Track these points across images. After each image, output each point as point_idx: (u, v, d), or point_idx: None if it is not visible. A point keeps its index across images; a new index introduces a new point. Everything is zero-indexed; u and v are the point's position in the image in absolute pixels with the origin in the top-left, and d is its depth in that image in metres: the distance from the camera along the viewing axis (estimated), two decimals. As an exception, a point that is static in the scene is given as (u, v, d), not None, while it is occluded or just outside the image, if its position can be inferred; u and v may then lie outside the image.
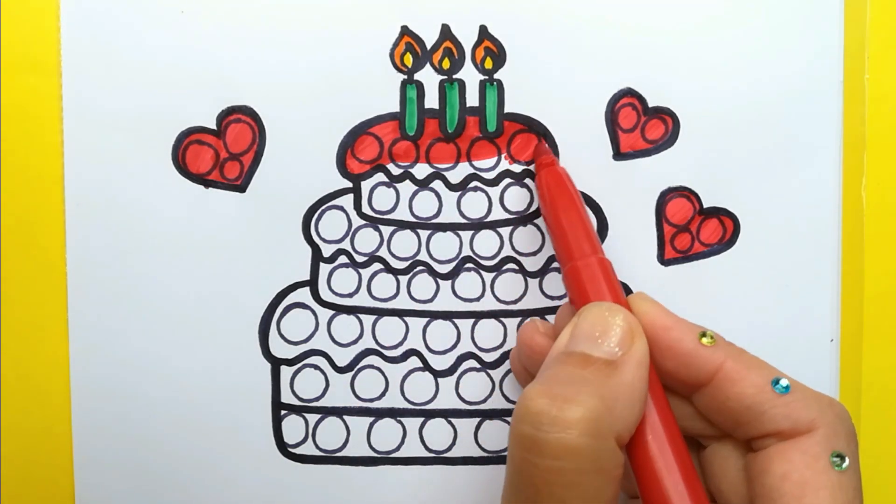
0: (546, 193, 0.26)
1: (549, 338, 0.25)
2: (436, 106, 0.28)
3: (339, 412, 0.29)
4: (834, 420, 0.21)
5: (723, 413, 0.22)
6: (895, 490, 0.29)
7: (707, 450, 0.24)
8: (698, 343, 0.22)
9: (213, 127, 0.28)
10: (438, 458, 0.29)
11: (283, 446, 0.29)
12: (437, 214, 0.29)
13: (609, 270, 0.24)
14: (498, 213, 0.29)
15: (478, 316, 0.29)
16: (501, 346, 0.29)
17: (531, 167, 0.28)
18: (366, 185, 0.29)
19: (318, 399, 0.29)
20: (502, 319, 0.29)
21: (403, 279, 0.29)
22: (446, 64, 0.28)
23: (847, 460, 0.21)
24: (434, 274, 0.29)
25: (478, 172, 0.29)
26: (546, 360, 0.22)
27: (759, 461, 0.21)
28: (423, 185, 0.29)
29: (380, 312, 0.29)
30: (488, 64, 0.28)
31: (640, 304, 0.23)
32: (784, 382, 0.22)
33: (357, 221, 0.29)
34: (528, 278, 0.29)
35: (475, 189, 0.29)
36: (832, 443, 0.21)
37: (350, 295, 0.29)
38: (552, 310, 0.29)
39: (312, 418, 0.29)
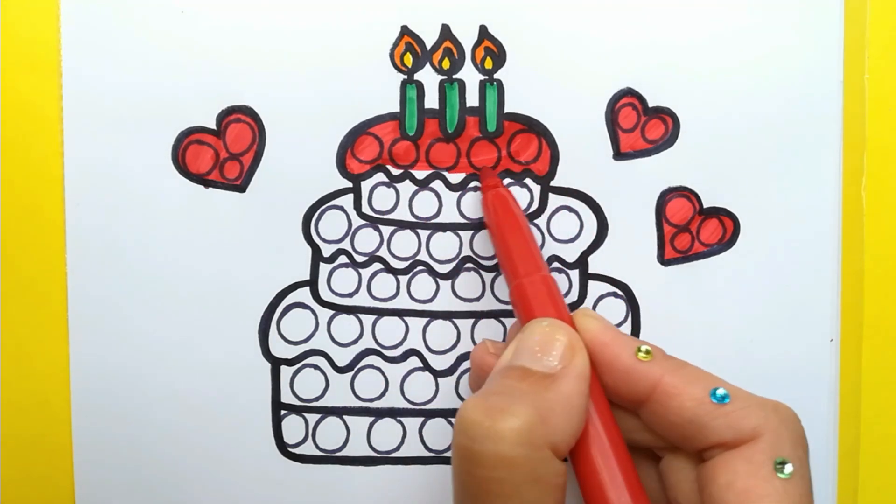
0: (492, 215, 0.27)
1: (498, 357, 0.25)
2: (436, 106, 0.28)
3: (339, 412, 0.29)
4: (778, 426, 0.21)
5: (666, 427, 0.22)
6: (895, 490, 0.29)
7: (662, 461, 0.23)
8: (635, 359, 0.22)
9: (213, 127, 0.28)
10: (438, 458, 0.29)
11: (283, 446, 0.29)
12: (437, 214, 0.29)
13: (553, 287, 0.24)
14: (498, 213, 0.29)
15: (478, 316, 0.29)
16: (501, 346, 0.29)
17: (530, 166, 0.28)
18: (366, 185, 0.29)
19: (318, 399, 0.29)
20: (502, 319, 0.29)
21: (403, 279, 0.29)
22: (446, 64, 0.28)
23: (791, 466, 0.20)
24: (434, 274, 0.29)
25: (478, 172, 0.29)
26: (490, 375, 0.22)
27: (707, 471, 0.21)
28: (422, 185, 0.29)
29: (380, 312, 0.29)
30: (488, 64, 0.28)
31: (582, 319, 0.23)
32: (721, 392, 0.21)
33: (357, 221, 0.29)
34: (528, 278, 0.29)
35: (475, 189, 0.29)
36: (776, 449, 0.21)
37: (350, 295, 0.29)
38: (552, 310, 0.29)
39: (312, 418, 0.29)
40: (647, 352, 0.22)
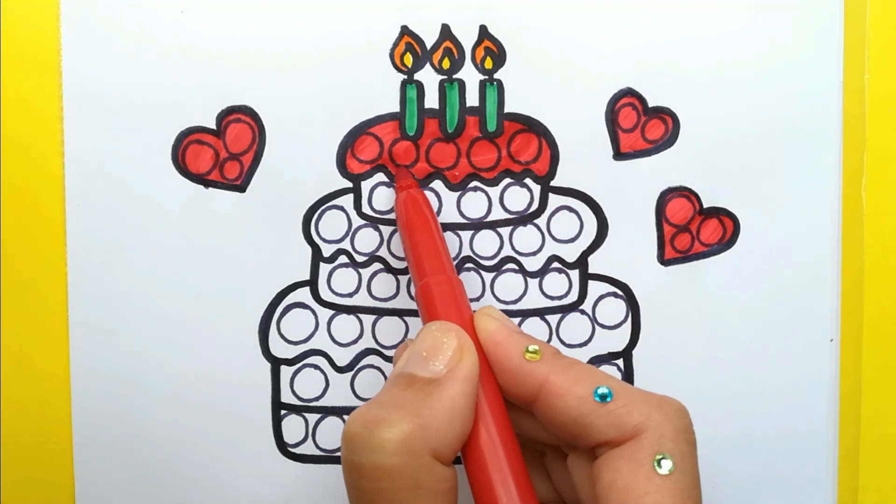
0: (402, 215, 0.27)
1: None
2: (436, 106, 0.28)
3: (339, 412, 0.29)
4: (661, 421, 0.21)
5: (556, 426, 0.22)
6: (895, 490, 0.29)
7: (568, 459, 0.23)
8: (523, 358, 0.22)
9: (213, 127, 0.28)
10: (438, 458, 0.29)
11: (283, 446, 0.29)
12: (437, 214, 0.29)
13: (457, 288, 0.24)
14: (498, 213, 0.29)
15: (478, 316, 0.29)
16: (501, 346, 0.29)
17: (530, 166, 0.28)
18: (366, 185, 0.29)
19: (318, 399, 0.29)
20: (502, 319, 0.29)
21: (403, 279, 0.29)
22: (446, 64, 0.28)
23: (670, 462, 0.20)
24: (434, 274, 0.29)
25: (478, 172, 0.29)
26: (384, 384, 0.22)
27: (595, 471, 0.21)
28: (423, 185, 0.29)
29: (380, 312, 0.29)
30: (488, 64, 0.28)
31: (480, 319, 0.23)
32: (603, 390, 0.21)
33: (357, 221, 0.29)
34: (528, 278, 0.29)
35: (475, 189, 0.29)
36: (657, 445, 0.20)
37: (350, 295, 0.29)
38: (552, 310, 0.29)
39: (312, 418, 0.29)
40: (535, 351, 0.22)
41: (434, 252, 0.25)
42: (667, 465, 0.20)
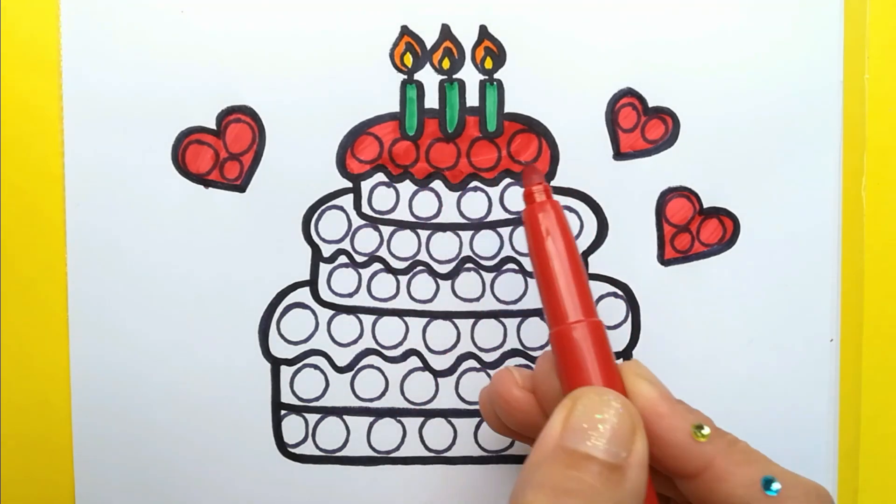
0: (539, 236, 0.23)
1: (526, 391, 0.24)
2: (436, 106, 0.28)
3: (339, 412, 0.29)
4: None
5: None
6: (895, 490, 0.29)
7: None
8: (691, 438, 0.21)
9: (213, 127, 0.28)
10: (438, 458, 0.29)
11: (283, 446, 0.29)
12: (437, 214, 0.29)
13: (603, 337, 0.22)
14: (498, 213, 0.29)
15: (478, 316, 0.29)
16: (501, 346, 0.29)
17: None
18: (366, 185, 0.29)
19: (318, 399, 0.29)
20: (502, 319, 0.29)
21: (403, 279, 0.29)
22: (446, 64, 0.28)
23: None
24: (434, 274, 0.29)
25: (478, 172, 0.29)
26: (539, 451, 0.20)
27: None
28: (423, 185, 0.29)
29: (380, 312, 0.29)
30: (488, 64, 0.28)
31: (635, 383, 0.22)
32: (776, 486, 0.20)
33: (357, 221, 0.29)
34: (528, 278, 0.29)
35: (475, 189, 0.29)
36: None
37: (350, 295, 0.29)
38: (552, 310, 0.29)
39: (312, 418, 0.29)
40: (705, 434, 0.21)
41: (579, 288, 0.22)
42: None
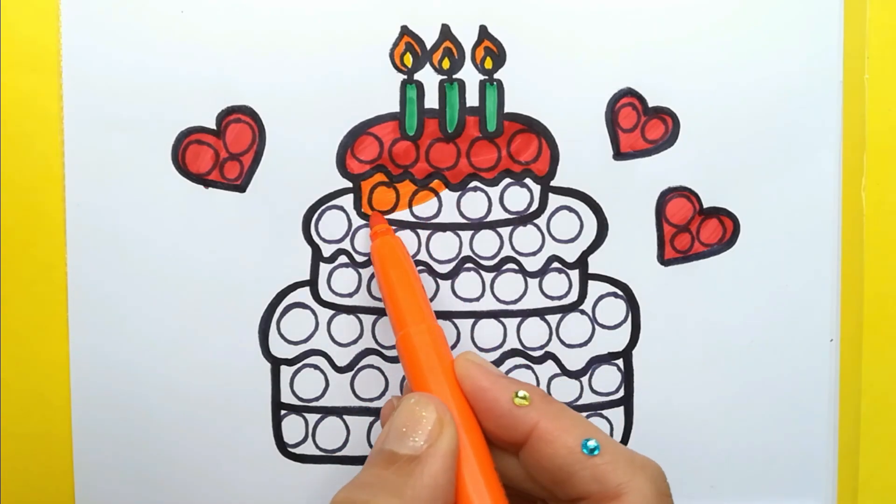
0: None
1: None
2: (436, 106, 0.28)
3: (338, 412, 0.29)
4: (643, 485, 0.21)
5: (541, 473, 0.22)
6: (895, 491, 0.29)
7: None
8: (513, 404, 0.22)
9: (213, 127, 0.28)
10: (438, 458, 0.29)
11: (283, 446, 0.29)
12: (437, 214, 0.29)
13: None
14: (498, 213, 0.29)
15: (477, 316, 0.29)
16: (501, 346, 0.29)
17: (530, 166, 0.28)
18: (366, 185, 0.29)
19: (317, 399, 0.29)
20: (502, 319, 0.29)
21: (403, 279, 0.29)
22: (446, 64, 0.28)
23: None
24: (434, 274, 0.29)
25: (478, 172, 0.29)
26: (367, 458, 0.22)
27: None
28: (423, 185, 0.29)
29: (380, 312, 0.29)
30: (488, 64, 0.28)
31: (462, 366, 0.23)
32: (592, 444, 0.21)
33: (357, 221, 0.29)
34: (528, 278, 0.29)
35: (475, 189, 0.29)
36: None
37: (350, 295, 0.29)
38: (552, 310, 0.29)
39: (312, 418, 0.29)
40: (524, 397, 0.22)
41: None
42: None
